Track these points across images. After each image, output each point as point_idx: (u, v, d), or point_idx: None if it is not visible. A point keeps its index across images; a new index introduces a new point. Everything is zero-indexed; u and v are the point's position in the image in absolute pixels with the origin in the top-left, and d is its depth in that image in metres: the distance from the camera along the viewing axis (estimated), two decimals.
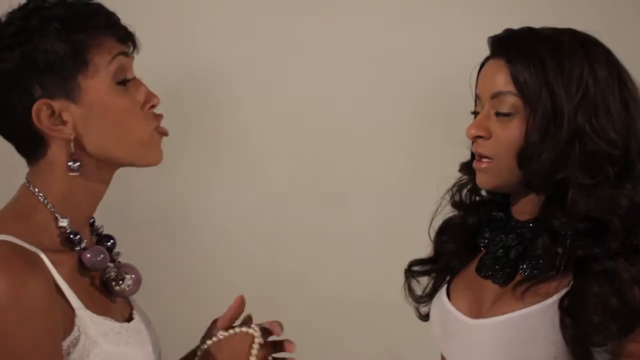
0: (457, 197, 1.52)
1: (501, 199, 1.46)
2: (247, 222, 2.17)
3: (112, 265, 1.36)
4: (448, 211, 1.53)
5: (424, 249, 1.53)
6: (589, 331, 1.29)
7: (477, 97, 1.41)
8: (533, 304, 1.34)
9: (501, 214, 1.46)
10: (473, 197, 1.51)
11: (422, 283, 1.55)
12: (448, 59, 2.06)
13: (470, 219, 1.50)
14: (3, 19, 1.29)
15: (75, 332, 1.25)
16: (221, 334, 1.42)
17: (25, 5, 1.29)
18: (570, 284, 1.33)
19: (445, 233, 1.54)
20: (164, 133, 1.35)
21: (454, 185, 1.52)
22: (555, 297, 1.33)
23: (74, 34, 1.26)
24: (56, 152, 1.29)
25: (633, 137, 1.35)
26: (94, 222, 1.40)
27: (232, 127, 2.16)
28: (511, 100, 1.35)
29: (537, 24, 1.39)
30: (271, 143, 2.16)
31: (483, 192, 1.50)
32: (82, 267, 1.31)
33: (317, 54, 2.12)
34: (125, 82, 1.30)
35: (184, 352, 1.52)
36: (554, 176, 1.33)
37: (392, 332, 2.10)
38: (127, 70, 1.31)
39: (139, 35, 1.34)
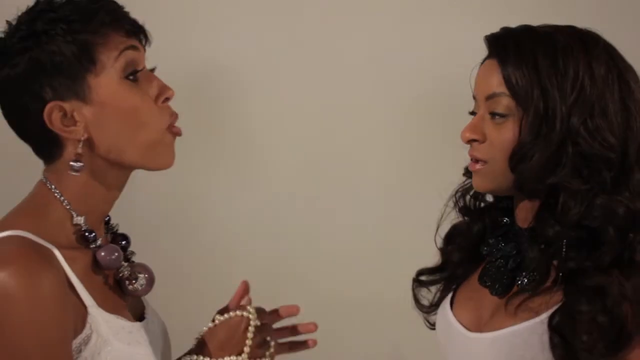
0: (461, 203, 1.48)
1: (507, 205, 1.42)
2: (247, 222, 2.17)
3: (125, 264, 1.36)
4: (452, 217, 1.51)
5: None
6: (578, 351, 1.23)
7: (474, 98, 1.39)
8: (525, 320, 1.30)
9: (507, 219, 1.42)
10: (477, 202, 1.47)
11: (432, 290, 1.53)
12: (448, 59, 2.06)
13: (475, 226, 1.46)
14: (13, 22, 1.29)
15: (87, 330, 1.25)
16: (217, 318, 1.41)
17: (32, 8, 1.28)
18: (562, 300, 1.27)
19: (450, 241, 1.51)
20: (177, 133, 1.33)
21: (457, 191, 1.49)
22: (546, 315, 1.28)
23: (79, 34, 1.25)
24: (72, 153, 1.28)
25: (632, 140, 1.28)
26: (109, 220, 1.40)
27: (232, 127, 2.16)
28: (505, 102, 1.31)
29: (537, 23, 1.38)
30: (271, 143, 2.16)
31: (488, 197, 1.47)
32: (96, 265, 1.31)
33: (317, 54, 2.12)
34: (135, 73, 1.29)
35: (183, 352, 1.52)
36: (545, 180, 1.28)
37: (393, 332, 2.10)
38: (136, 63, 1.29)
39: None
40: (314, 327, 1.50)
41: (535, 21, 1.38)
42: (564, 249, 1.29)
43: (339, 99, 2.12)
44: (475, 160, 1.35)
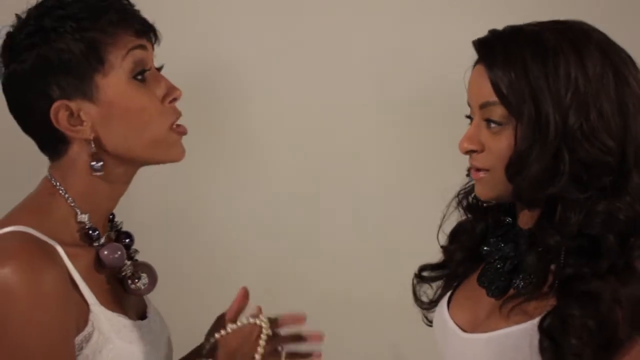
0: (464, 203, 1.46)
1: (510, 205, 1.38)
2: (246, 222, 2.16)
3: (128, 263, 1.36)
4: (454, 218, 1.50)
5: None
6: (567, 355, 1.20)
7: (468, 104, 1.34)
8: (517, 323, 1.27)
9: (509, 219, 1.39)
10: (480, 202, 1.44)
11: (434, 287, 1.52)
12: (448, 59, 2.05)
13: (479, 225, 1.44)
14: (22, 17, 1.28)
15: (88, 328, 1.25)
16: (229, 327, 1.40)
17: (42, 3, 1.28)
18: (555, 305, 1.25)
19: (455, 238, 1.49)
20: (183, 132, 1.33)
21: (459, 193, 1.47)
22: (538, 319, 1.24)
23: (88, 32, 1.24)
24: (78, 151, 1.28)
25: (630, 142, 1.23)
26: (113, 217, 1.40)
27: (232, 127, 2.16)
28: (499, 111, 1.26)
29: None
30: (271, 143, 2.16)
31: None
32: (99, 263, 1.31)
33: (317, 54, 2.12)
34: (143, 72, 1.28)
35: (184, 352, 1.52)
36: (544, 191, 1.24)
37: (393, 332, 2.09)
38: (144, 63, 1.29)
39: None
40: (319, 337, 1.47)
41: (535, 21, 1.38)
42: (562, 255, 1.26)
43: (339, 99, 2.12)
44: (477, 169, 1.32)
